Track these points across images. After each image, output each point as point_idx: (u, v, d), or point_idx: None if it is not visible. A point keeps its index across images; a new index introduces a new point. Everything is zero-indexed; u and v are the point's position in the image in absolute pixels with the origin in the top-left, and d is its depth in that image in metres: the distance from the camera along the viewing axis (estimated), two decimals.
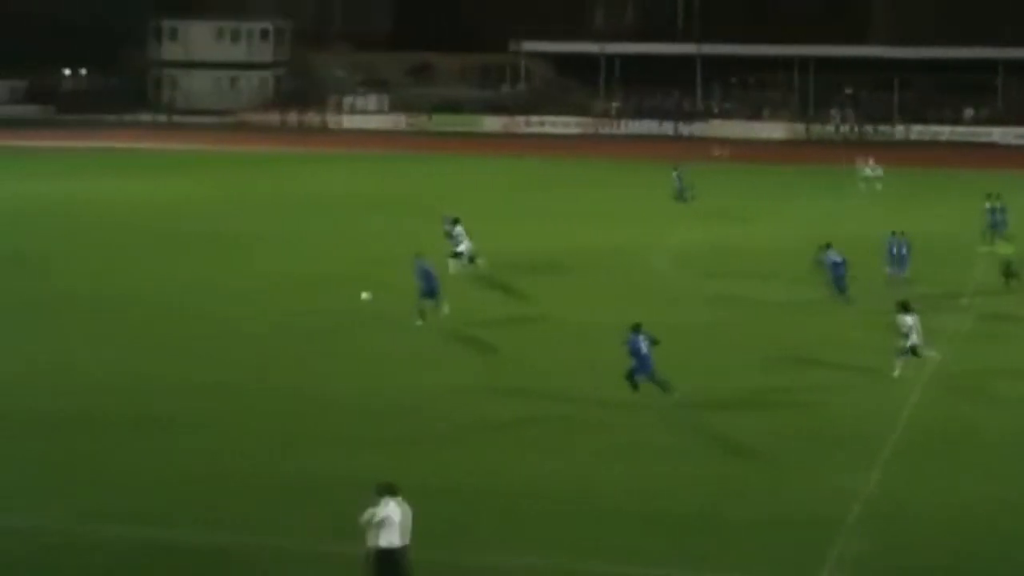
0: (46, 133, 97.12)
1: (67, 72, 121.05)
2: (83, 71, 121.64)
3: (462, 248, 43.00)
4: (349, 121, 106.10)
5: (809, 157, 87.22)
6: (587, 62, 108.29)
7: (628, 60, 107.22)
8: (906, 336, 30.52)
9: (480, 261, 43.39)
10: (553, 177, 73.48)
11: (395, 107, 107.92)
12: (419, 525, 18.96)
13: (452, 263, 42.49)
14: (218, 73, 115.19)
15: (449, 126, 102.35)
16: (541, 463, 25.26)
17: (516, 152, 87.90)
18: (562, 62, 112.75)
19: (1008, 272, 41.73)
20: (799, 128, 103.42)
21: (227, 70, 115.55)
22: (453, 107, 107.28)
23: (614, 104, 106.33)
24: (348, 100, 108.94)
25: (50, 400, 29.94)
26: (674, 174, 63.40)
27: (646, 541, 21.64)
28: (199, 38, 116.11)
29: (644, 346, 28.41)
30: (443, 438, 26.76)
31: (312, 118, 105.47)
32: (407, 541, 18.82)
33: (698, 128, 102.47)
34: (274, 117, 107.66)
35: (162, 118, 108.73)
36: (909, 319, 30.57)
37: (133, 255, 47.90)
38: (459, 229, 43.36)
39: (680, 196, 62.02)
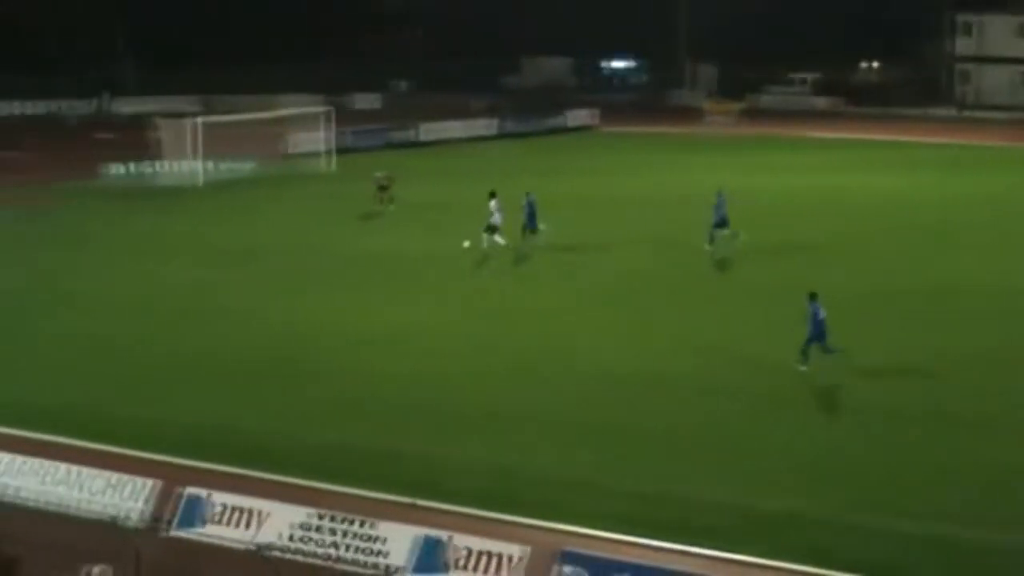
0: (835, 125, 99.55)
1: (863, 65, 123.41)
2: (874, 64, 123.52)
3: (493, 221, 43.98)
4: None
5: None
6: None
7: None
8: None
9: (498, 237, 44.01)
10: None
11: None
12: None
13: (485, 237, 43.91)
14: (1011, 68, 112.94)
15: None
16: None
17: None
18: None
19: None
20: None
21: (1020, 65, 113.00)
22: None
23: None
24: None
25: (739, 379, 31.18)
26: None
27: None
28: (993, 33, 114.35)
29: (821, 313, 30.11)
30: None
31: None
32: None
33: None
34: None
35: (953, 112, 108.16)
36: None
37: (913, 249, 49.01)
38: (493, 203, 44.02)
39: None
